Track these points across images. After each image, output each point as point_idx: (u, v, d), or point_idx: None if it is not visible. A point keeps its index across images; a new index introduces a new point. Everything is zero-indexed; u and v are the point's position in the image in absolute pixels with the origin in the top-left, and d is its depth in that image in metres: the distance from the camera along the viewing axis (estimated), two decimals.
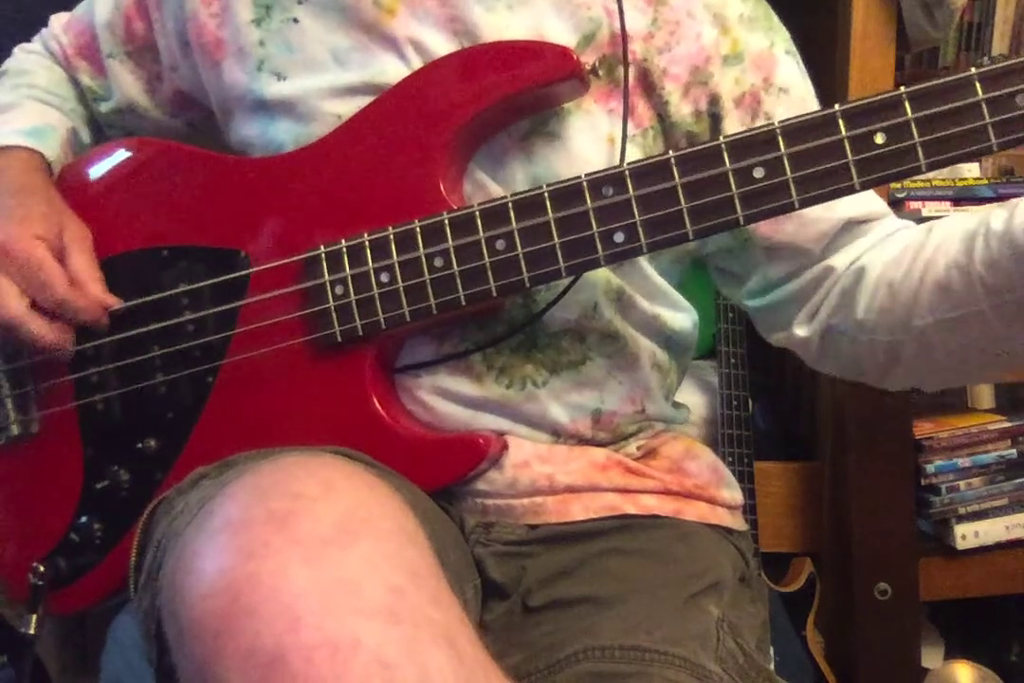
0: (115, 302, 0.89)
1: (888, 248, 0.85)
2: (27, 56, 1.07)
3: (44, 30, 1.08)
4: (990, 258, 0.72)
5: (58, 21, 1.07)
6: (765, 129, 0.71)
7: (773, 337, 0.94)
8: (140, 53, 1.00)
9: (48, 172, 0.96)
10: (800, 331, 0.89)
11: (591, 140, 0.83)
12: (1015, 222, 0.71)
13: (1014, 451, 1.64)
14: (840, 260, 0.86)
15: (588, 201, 0.75)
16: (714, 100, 0.85)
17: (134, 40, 0.99)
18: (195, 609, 0.53)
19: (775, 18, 0.90)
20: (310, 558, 0.53)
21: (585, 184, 0.75)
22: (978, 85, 0.65)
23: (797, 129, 0.70)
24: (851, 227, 0.87)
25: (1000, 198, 1.60)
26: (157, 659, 0.63)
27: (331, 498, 0.57)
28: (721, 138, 0.72)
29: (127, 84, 1.01)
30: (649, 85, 0.85)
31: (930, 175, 1.62)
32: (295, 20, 0.87)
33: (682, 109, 0.85)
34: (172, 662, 0.58)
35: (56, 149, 0.97)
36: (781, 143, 0.70)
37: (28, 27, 1.09)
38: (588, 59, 0.82)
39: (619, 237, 0.74)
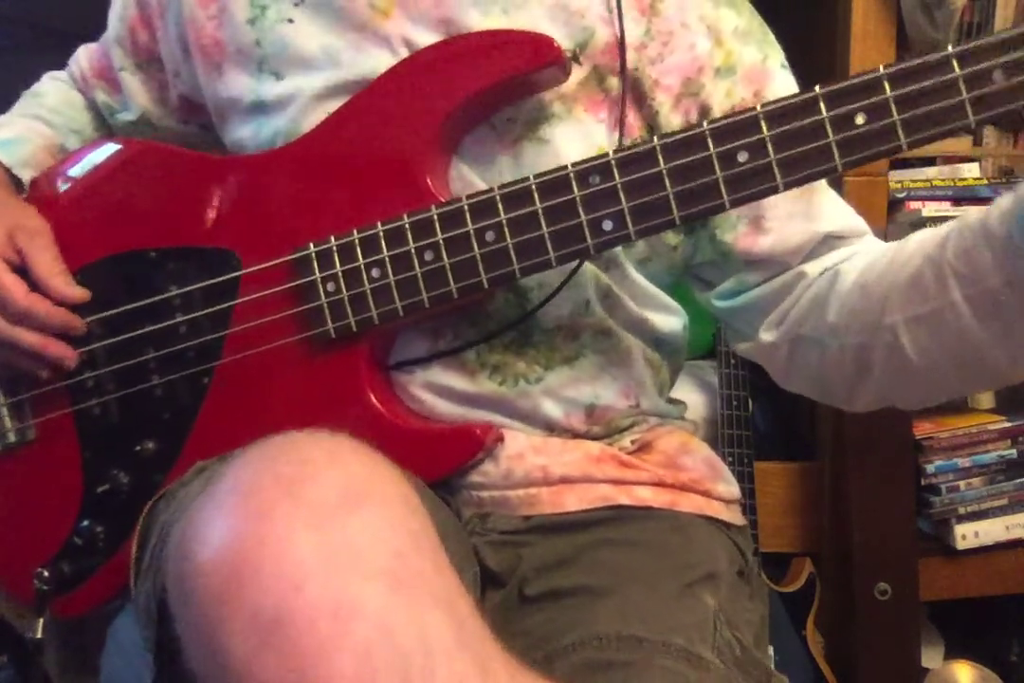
0: (84, 294, 0.89)
1: (863, 257, 0.85)
2: (51, 81, 1.10)
3: (71, 58, 1.11)
4: (963, 248, 0.72)
5: (84, 50, 1.10)
6: (748, 114, 0.72)
7: (739, 346, 0.94)
8: (147, 64, 1.01)
9: (6, 178, 0.96)
10: (767, 336, 0.88)
11: (581, 149, 0.83)
12: (992, 212, 0.71)
13: (1014, 451, 1.63)
14: (813, 267, 0.87)
15: (575, 190, 0.75)
16: (704, 111, 0.85)
17: (140, 52, 1.01)
18: (201, 572, 0.53)
19: (770, 33, 0.90)
20: (316, 522, 0.53)
21: (572, 174, 0.75)
22: (955, 62, 0.66)
23: (778, 112, 0.71)
24: (830, 241, 0.87)
25: None
26: (155, 642, 0.63)
27: (337, 465, 0.58)
28: (705, 124, 0.73)
29: (139, 95, 1.03)
30: (640, 95, 0.85)
31: (930, 175, 1.61)
32: (290, 20, 0.87)
33: (672, 120, 0.85)
34: (169, 642, 0.58)
35: (20, 158, 0.97)
36: (763, 126, 0.71)
37: None
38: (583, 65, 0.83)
39: (607, 225, 0.75)
